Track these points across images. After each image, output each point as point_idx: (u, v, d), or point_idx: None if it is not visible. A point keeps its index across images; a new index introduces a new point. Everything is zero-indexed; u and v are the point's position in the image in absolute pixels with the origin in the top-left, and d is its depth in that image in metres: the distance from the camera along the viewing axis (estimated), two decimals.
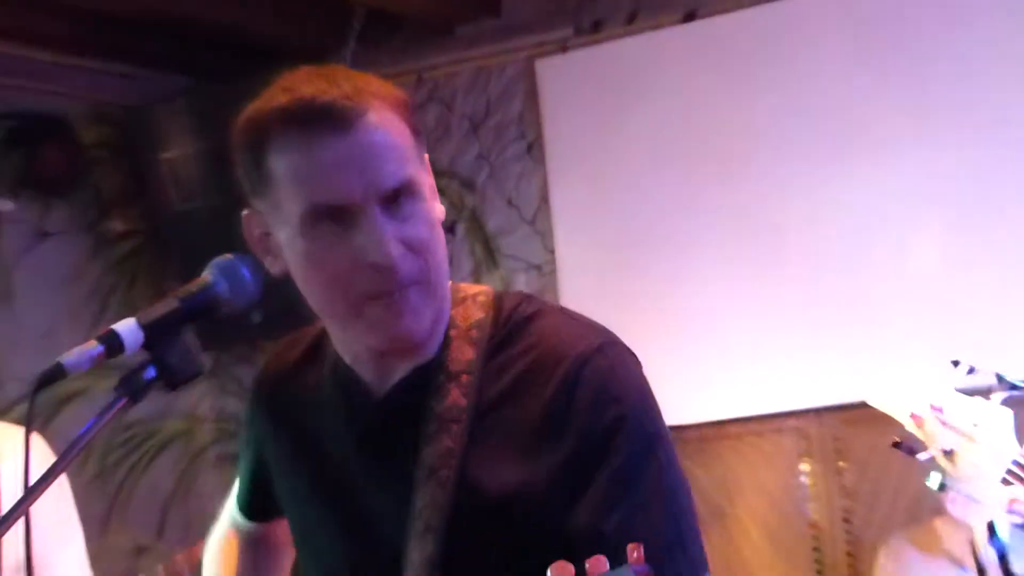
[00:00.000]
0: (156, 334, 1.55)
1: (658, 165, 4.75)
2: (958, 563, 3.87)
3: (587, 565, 1.22)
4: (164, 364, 1.55)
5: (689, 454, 4.65)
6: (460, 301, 1.77)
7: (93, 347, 1.52)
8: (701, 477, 4.69)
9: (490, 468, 1.67)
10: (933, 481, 1.90)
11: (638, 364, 1.71)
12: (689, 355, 4.71)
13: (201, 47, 4.99)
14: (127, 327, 1.54)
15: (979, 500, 1.88)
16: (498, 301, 1.76)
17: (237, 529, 2.13)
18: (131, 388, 1.54)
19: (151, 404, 5.01)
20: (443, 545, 1.65)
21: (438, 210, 1.71)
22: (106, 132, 5.01)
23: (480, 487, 1.67)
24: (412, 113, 1.69)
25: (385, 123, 1.61)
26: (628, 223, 4.82)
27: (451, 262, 5.30)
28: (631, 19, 4.86)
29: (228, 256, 1.65)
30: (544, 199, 4.98)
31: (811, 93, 4.57)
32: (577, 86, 4.94)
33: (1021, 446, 1.86)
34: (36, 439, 2.69)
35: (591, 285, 4.87)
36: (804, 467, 4.64)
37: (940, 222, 4.44)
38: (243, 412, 2.07)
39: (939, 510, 3.90)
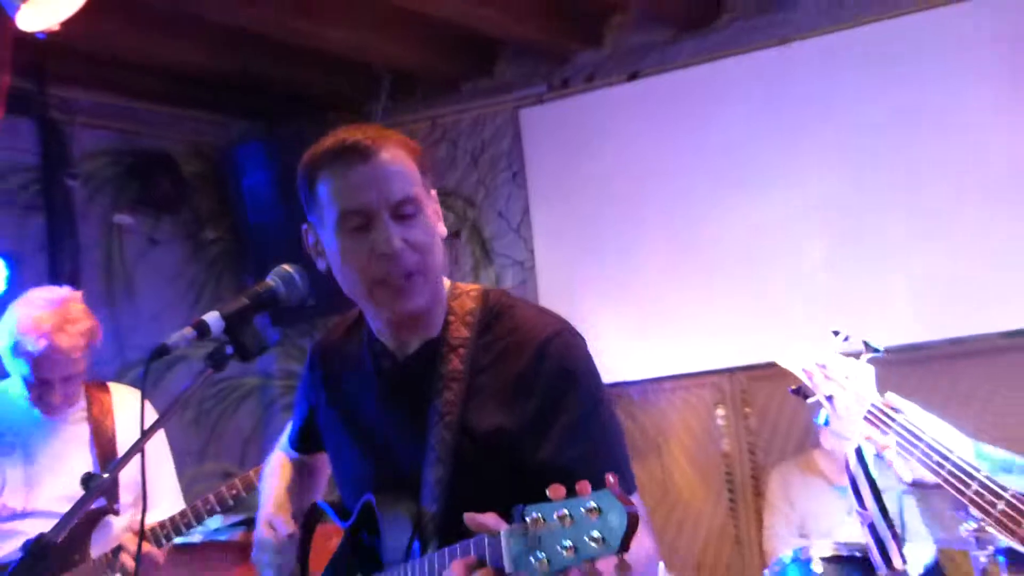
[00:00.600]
0: (233, 322, 1.60)
1: (611, 188, 4.80)
2: (829, 482, 3.97)
3: (548, 491, 1.25)
4: (239, 343, 1.61)
5: (635, 402, 4.78)
6: (458, 295, 1.76)
7: (189, 332, 1.58)
8: (644, 420, 4.77)
9: (481, 415, 1.67)
10: (821, 417, 1.84)
11: (586, 344, 1.72)
12: (635, 329, 4.75)
13: (271, 101, 5.02)
14: (213, 317, 1.60)
15: (849, 434, 1.82)
16: (485, 295, 1.76)
17: (287, 456, 2.08)
18: (215, 361, 1.62)
19: (235, 366, 5.18)
20: (450, 470, 1.65)
21: (439, 227, 1.70)
22: (201, 165, 5.01)
23: (475, 429, 1.67)
24: (421, 156, 1.71)
25: (396, 157, 1.64)
26: (589, 231, 4.85)
27: (456, 260, 5.46)
28: (590, 78, 4.95)
29: (285, 266, 1.69)
30: (526, 212, 5.03)
31: (725, 134, 4.61)
32: (550, 129, 4.99)
33: (880, 395, 1.81)
34: (139, 398, 2.84)
35: (561, 277, 4.92)
36: (719, 412, 4.69)
37: (822, 230, 4.48)
38: (301, 372, 2.03)
39: (817, 443, 4.07)
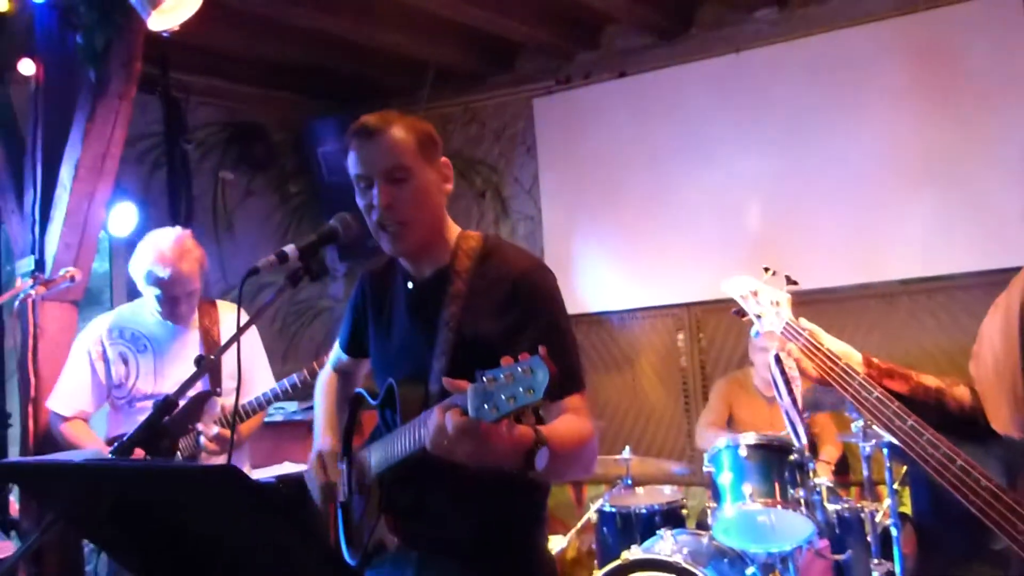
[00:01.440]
0: (304, 252, 1.63)
1: (602, 160, 4.77)
2: (759, 391, 3.97)
3: (501, 361, 1.27)
4: (308, 268, 1.64)
5: (614, 327, 4.79)
6: (465, 238, 1.74)
7: (272, 259, 1.61)
8: (620, 341, 4.79)
9: (475, 324, 1.67)
10: (752, 331, 1.81)
11: (555, 278, 1.71)
12: (617, 271, 4.76)
13: (342, 87, 5.00)
14: (290, 248, 1.63)
15: (771, 345, 1.75)
16: (485, 238, 1.75)
17: (335, 368, 2.03)
18: (292, 279, 1.64)
19: (312, 291, 5.21)
20: (450, 362, 1.66)
21: (434, 188, 1.66)
22: (287, 135, 5.00)
23: (469, 333, 1.67)
24: (424, 135, 1.67)
25: (394, 136, 1.62)
26: (584, 194, 4.83)
27: (482, 216, 5.42)
28: (587, 75, 4.88)
29: (344, 214, 1.69)
30: (536, 179, 4.99)
31: (691, 121, 4.57)
32: (556, 114, 4.95)
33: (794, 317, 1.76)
34: (241, 312, 2.87)
35: (561, 230, 4.91)
36: (679, 336, 4.69)
37: (761, 196, 4.45)
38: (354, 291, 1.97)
39: (751, 361, 4.05)
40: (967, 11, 3.97)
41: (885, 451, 3.25)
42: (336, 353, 2.01)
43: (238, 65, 4.59)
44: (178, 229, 2.74)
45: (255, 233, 4.89)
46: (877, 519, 3.13)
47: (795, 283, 1.84)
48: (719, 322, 4.55)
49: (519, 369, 1.24)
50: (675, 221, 4.61)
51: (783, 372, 1.77)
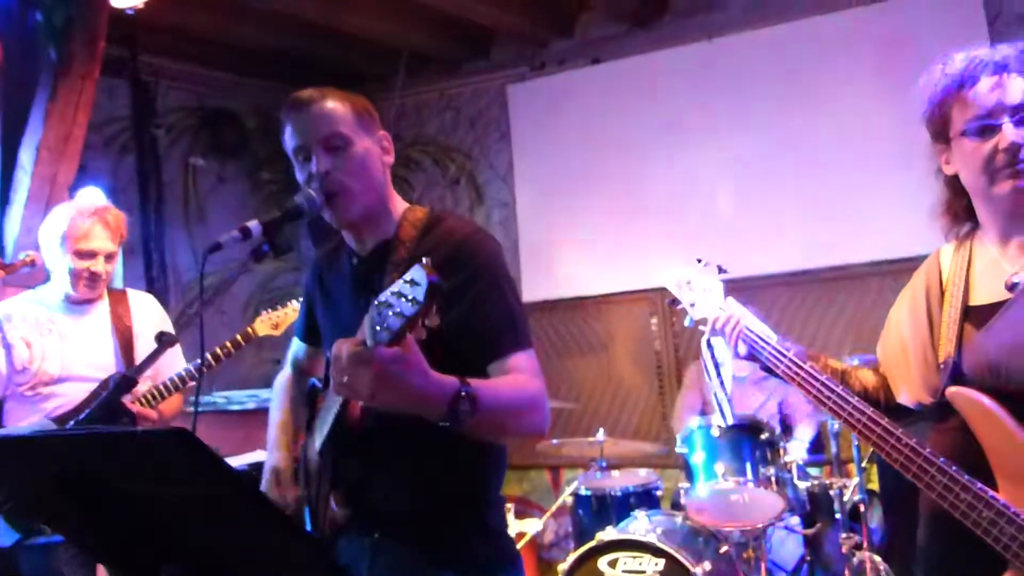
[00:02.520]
0: (268, 228, 1.56)
1: (576, 147, 4.80)
2: (733, 374, 3.79)
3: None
4: (272, 244, 1.57)
5: (590, 312, 4.83)
6: (411, 211, 1.70)
7: (236, 234, 1.55)
8: (596, 325, 4.83)
9: None
10: (686, 320, 1.88)
11: (496, 243, 1.66)
12: (592, 257, 4.80)
13: (317, 73, 4.76)
14: (253, 224, 1.56)
15: (704, 329, 1.83)
16: (431, 210, 1.72)
17: (294, 366, 1.96)
18: (256, 255, 1.59)
19: (289, 278, 5.12)
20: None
21: (373, 158, 1.64)
22: (260, 121, 4.93)
23: None
24: (361, 107, 1.65)
25: (328, 106, 1.61)
26: (558, 180, 4.85)
27: (456, 202, 5.42)
28: (562, 62, 4.92)
29: (309, 190, 1.60)
30: (510, 165, 5.00)
31: (663, 108, 4.62)
32: (531, 101, 4.98)
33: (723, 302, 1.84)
34: (152, 299, 2.77)
35: (536, 216, 4.93)
36: (653, 320, 4.74)
37: (733, 181, 4.52)
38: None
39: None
40: (929, 1, 4.08)
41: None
42: (294, 348, 1.96)
43: (209, 49, 4.54)
44: (92, 189, 2.65)
45: (227, 221, 4.67)
46: (845, 496, 3.22)
47: (725, 271, 1.91)
48: None
49: (402, 282, 1.20)
50: (648, 206, 4.66)
51: (713, 357, 1.91)
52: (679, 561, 2.98)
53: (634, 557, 3.07)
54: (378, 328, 1.21)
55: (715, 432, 3.24)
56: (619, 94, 4.73)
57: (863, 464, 3.36)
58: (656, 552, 3.04)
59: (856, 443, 3.35)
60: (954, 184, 1.61)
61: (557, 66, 4.93)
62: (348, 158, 1.60)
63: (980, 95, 1.49)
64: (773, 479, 3.13)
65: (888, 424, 1.51)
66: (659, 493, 3.74)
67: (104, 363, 2.60)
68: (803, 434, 3.91)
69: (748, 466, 3.17)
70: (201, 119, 4.65)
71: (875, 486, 3.82)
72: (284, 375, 1.96)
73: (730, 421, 2.09)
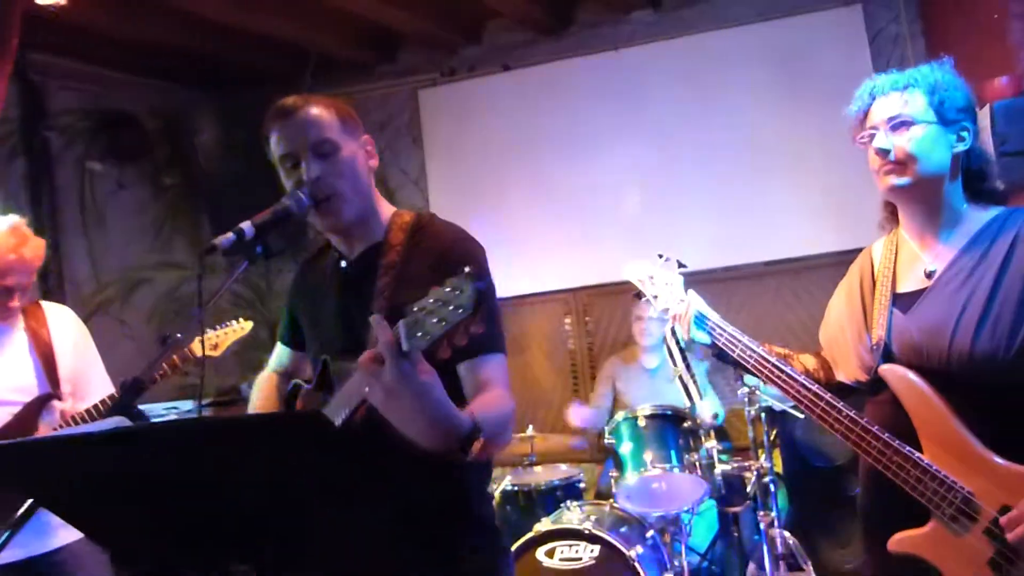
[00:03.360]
0: (261, 229, 1.55)
1: (488, 151, 4.89)
2: (642, 366, 4.21)
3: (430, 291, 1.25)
4: (265, 245, 1.56)
5: (505, 313, 4.83)
6: (399, 215, 1.73)
7: (230, 235, 1.52)
8: (511, 326, 4.87)
9: (407, 293, 1.53)
10: (655, 311, 1.99)
11: (482, 249, 1.70)
12: (506, 259, 4.52)
13: (219, 75, 4.85)
14: (247, 225, 1.55)
15: (667, 318, 1.92)
16: (418, 215, 1.75)
17: (275, 370, 1.95)
18: (249, 258, 1.57)
19: (192, 286, 5.01)
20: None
21: (361, 161, 1.66)
22: (161, 123, 4.78)
23: (403, 302, 1.56)
24: (345, 113, 1.67)
25: (315, 113, 1.63)
26: (471, 184, 4.91)
27: None
28: (472, 68, 5.00)
29: (298, 191, 1.60)
30: (423, 169, 5.04)
31: (571, 114, 4.78)
32: (442, 106, 5.02)
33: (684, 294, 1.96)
34: (68, 311, 2.64)
35: (448, 218, 4.59)
36: (567, 320, 4.88)
37: (639, 186, 4.72)
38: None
39: (636, 340, 4.26)
40: (818, 20, 4.44)
41: (763, 416, 3.61)
42: (276, 353, 1.95)
43: (103, 47, 4.32)
44: (13, 216, 2.51)
45: (128, 228, 4.65)
46: (755, 478, 3.47)
47: (684, 266, 2.06)
48: (604, 305, 4.80)
49: (447, 291, 1.23)
50: (559, 210, 4.80)
51: (677, 343, 2.00)
52: (614, 546, 3.13)
53: (571, 546, 3.20)
54: (419, 335, 1.23)
55: (641, 423, 3.43)
56: (529, 100, 4.86)
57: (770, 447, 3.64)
58: (592, 539, 3.18)
59: (766, 429, 3.61)
60: None
61: (468, 72, 5.01)
62: (337, 163, 1.62)
63: (873, 111, 1.73)
64: (697, 464, 3.34)
65: (831, 398, 1.70)
66: (581, 485, 3.90)
67: (26, 385, 2.49)
68: (707, 412, 4.15)
69: (673, 453, 3.36)
70: (97, 121, 4.47)
71: (779, 469, 4.12)
72: (265, 374, 1.95)
73: (698, 400, 2.24)
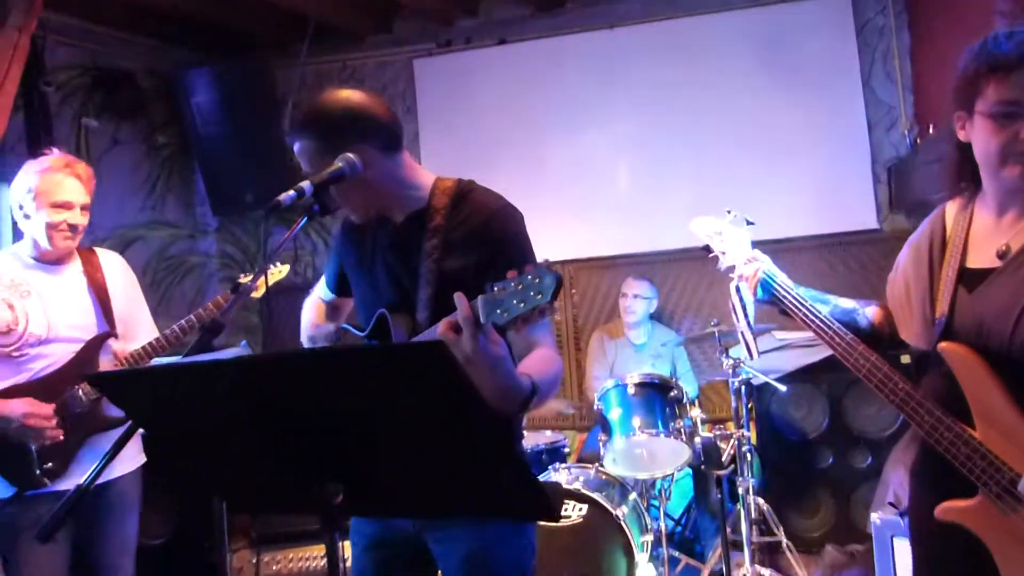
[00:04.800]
0: (318, 188, 1.65)
1: (482, 123, 4.97)
2: (628, 340, 4.38)
3: (507, 274, 1.36)
4: (322, 203, 1.68)
5: None
6: (441, 181, 1.86)
7: (292, 193, 1.62)
8: None
9: (453, 256, 1.77)
10: (721, 265, 1.98)
11: (521, 216, 1.83)
12: None
13: (213, 35, 4.86)
14: (306, 184, 1.65)
15: (734, 275, 1.89)
16: (459, 182, 1.87)
17: (323, 300, 2.11)
18: (308, 214, 1.68)
19: (184, 245, 5.05)
20: (434, 291, 1.76)
21: (368, 167, 1.72)
22: (157, 82, 4.81)
23: (450, 263, 1.77)
24: (327, 128, 1.73)
25: (302, 147, 1.75)
26: (464, 154, 4.96)
27: None
28: (468, 40, 5.07)
29: (349, 154, 1.71)
30: (416, 139, 5.10)
31: (565, 89, 4.88)
32: (437, 77, 5.07)
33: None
34: (119, 257, 2.81)
35: None
36: None
37: (627, 160, 4.85)
38: (334, 235, 2.05)
39: (620, 314, 4.46)
40: (808, 8, 4.59)
41: (743, 388, 3.81)
42: (320, 291, 2.11)
43: (102, 5, 4.33)
44: (53, 151, 2.65)
45: (122, 184, 4.66)
46: (733, 448, 3.66)
47: (752, 223, 2.05)
48: (591, 278, 4.95)
49: (528, 277, 1.36)
50: (549, 183, 4.91)
51: (741, 300, 1.99)
52: (602, 505, 3.32)
53: (560, 504, 3.37)
54: (498, 311, 1.37)
55: (630, 390, 3.60)
56: (523, 75, 4.95)
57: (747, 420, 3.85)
58: (580, 499, 3.35)
59: (746, 401, 3.82)
60: (963, 149, 1.69)
61: (463, 44, 5.07)
62: (343, 191, 1.73)
63: (1016, 82, 1.54)
64: (682, 431, 3.52)
65: (888, 370, 1.69)
66: (566, 450, 4.08)
67: (86, 323, 2.62)
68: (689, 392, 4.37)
69: (659, 420, 3.54)
70: (93, 78, 4.45)
71: (755, 442, 4.34)
72: (313, 300, 2.11)
73: (755, 357, 2.28)
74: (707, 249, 2.06)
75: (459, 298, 1.44)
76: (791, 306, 1.84)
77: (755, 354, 2.21)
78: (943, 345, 1.68)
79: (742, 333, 2.07)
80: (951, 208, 1.79)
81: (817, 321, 1.80)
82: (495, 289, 1.39)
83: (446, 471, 1.21)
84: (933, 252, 1.76)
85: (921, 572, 1.81)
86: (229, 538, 3.28)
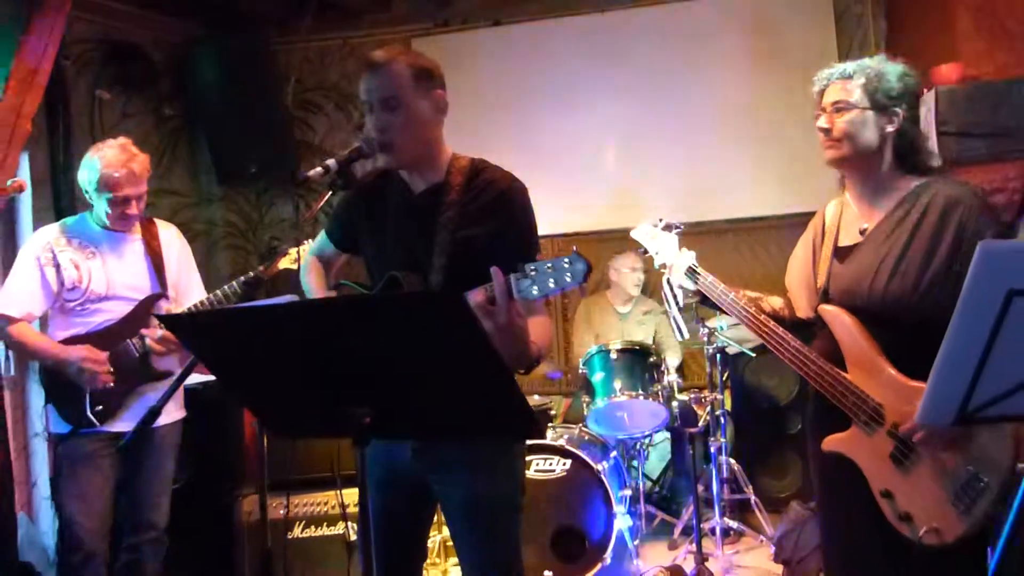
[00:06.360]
0: (342, 165, 1.86)
1: (477, 102, 5.09)
2: (613, 309, 4.69)
3: (537, 257, 1.62)
4: (346, 178, 1.88)
5: None
6: (457, 159, 2.03)
7: (320, 169, 1.83)
8: None
9: (468, 227, 1.93)
10: (656, 263, 2.38)
11: (527, 192, 2.00)
12: None
13: (220, 10, 4.97)
14: (331, 161, 1.85)
15: (665, 271, 2.31)
16: (473, 160, 2.04)
17: (317, 256, 2.26)
18: (332, 187, 1.87)
19: (189, 213, 5.25)
20: (448, 259, 1.92)
21: (423, 114, 1.93)
22: (165, 55, 4.93)
23: (463, 235, 1.92)
24: (422, 70, 1.95)
25: (390, 70, 1.91)
26: (457, 131, 4.79)
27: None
28: (464, 21, 5.25)
29: (366, 134, 1.92)
30: None
31: (556, 70, 5.09)
32: (434, 55, 4.86)
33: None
34: (174, 228, 3.15)
35: None
36: None
37: (614, 140, 5.09)
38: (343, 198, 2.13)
39: (608, 285, 4.74)
40: None
41: (719, 356, 4.12)
42: (321, 243, 2.26)
43: None
44: (121, 138, 2.96)
45: None
46: (707, 412, 3.99)
47: (679, 227, 2.49)
48: (582, 251, 5.16)
49: (564, 262, 1.59)
50: (541, 161, 5.07)
51: (671, 290, 2.37)
52: (584, 461, 3.63)
53: (545, 459, 3.68)
54: (534, 289, 1.60)
55: (613, 355, 3.90)
56: (517, 56, 5.16)
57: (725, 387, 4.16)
58: (564, 454, 3.67)
59: (721, 368, 4.12)
60: None
61: (460, 24, 5.27)
62: (400, 117, 1.93)
63: (825, 95, 2.09)
64: (660, 394, 3.83)
65: (783, 333, 2.11)
66: (552, 412, 4.40)
67: (141, 285, 2.97)
68: (671, 361, 4.67)
69: (639, 384, 3.85)
70: (106, 51, 4.61)
71: (728, 408, 4.65)
72: (310, 260, 2.26)
73: (686, 336, 2.68)
74: (644, 251, 2.46)
75: (495, 272, 1.63)
76: (708, 289, 2.23)
77: (685, 334, 2.62)
78: (822, 307, 2.09)
79: (673, 317, 2.48)
80: (830, 206, 2.23)
81: (728, 300, 2.20)
82: (528, 268, 1.59)
83: (459, 400, 1.44)
84: (815, 240, 2.20)
85: (821, 494, 2.18)
86: (240, 484, 3.60)
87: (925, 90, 3.68)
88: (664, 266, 2.34)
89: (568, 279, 1.59)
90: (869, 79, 2.04)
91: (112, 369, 2.84)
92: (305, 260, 2.31)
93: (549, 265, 1.60)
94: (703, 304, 2.31)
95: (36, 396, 3.99)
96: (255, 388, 1.55)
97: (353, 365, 1.40)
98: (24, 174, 4.05)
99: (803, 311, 2.22)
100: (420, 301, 1.41)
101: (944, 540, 1.86)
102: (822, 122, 2.07)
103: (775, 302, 2.28)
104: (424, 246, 1.96)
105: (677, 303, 2.42)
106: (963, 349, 1.43)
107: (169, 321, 2.19)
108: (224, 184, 5.18)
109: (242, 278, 2.92)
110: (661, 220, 2.45)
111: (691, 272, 2.28)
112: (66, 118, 4.36)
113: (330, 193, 1.93)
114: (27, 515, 3.85)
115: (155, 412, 1.57)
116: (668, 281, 2.35)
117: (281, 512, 3.41)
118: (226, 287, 2.95)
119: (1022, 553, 2.13)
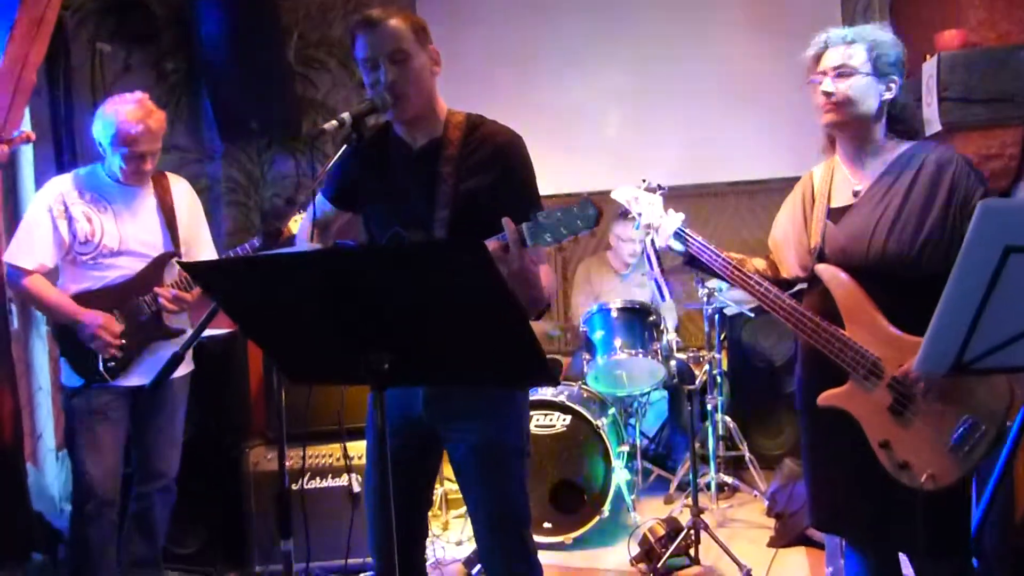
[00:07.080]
0: (356, 119, 1.87)
1: (477, 61, 5.14)
2: (613, 270, 4.69)
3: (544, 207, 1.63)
4: (359, 133, 1.89)
5: None
6: (453, 114, 2.06)
7: (334, 123, 1.84)
8: None
9: (469, 180, 1.97)
10: (638, 227, 2.28)
11: (524, 143, 2.03)
12: None
13: None
14: (345, 115, 1.86)
15: (649, 232, 2.22)
16: (469, 115, 2.08)
17: (314, 222, 2.21)
18: (348, 143, 1.87)
19: (193, 169, 5.26)
20: (450, 211, 1.96)
21: (425, 68, 1.99)
22: (168, 9, 4.91)
23: (464, 187, 1.96)
24: (419, 27, 1.99)
25: (395, 25, 1.94)
26: (460, 88, 4.63)
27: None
28: None
29: (379, 91, 1.94)
30: None
31: (560, 32, 5.09)
32: (439, 13, 5.12)
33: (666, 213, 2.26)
34: (185, 183, 3.18)
35: None
36: None
37: (618, 104, 5.13)
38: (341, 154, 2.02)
39: (607, 247, 4.76)
40: None
41: (716, 317, 4.20)
42: (319, 204, 2.24)
43: None
44: (137, 92, 2.96)
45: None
46: (705, 371, 4.07)
47: (663, 188, 2.42)
48: None
49: (574, 209, 1.65)
50: (542, 122, 5.03)
51: (655, 251, 2.36)
52: (584, 416, 3.73)
53: (545, 415, 3.78)
54: (546, 235, 1.65)
55: (613, 313, 3.96)
56: (521, 16, 5.15)
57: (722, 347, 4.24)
58: (564, 410, 3.76)
59: (719, 329, 4.20)
60: None
61: None
62: (408, 70, 1.98)
63: (824, 58, 2.11)
64: (659, 352, 3.91)
65: (777, 291, 2.14)
66: (561, 363, 4.48)
67: (154, 240, 3.00)
68: (668, 322, 4.74)
69: (639, 342, 3.92)
70: (106, 3, 4.58)
71: (726, 368, 4.74)
72: (307, 224, 2.26)
73: (667, 299, 2.69)
74: (625, 212, 2.42)
75: (507, 223, 1.68)
76: (697, 249, 2.23)
77: (667, 296, 2.65)
78: (818, 266, 2.13)
79: (655, 278, 2.48)
80: (817, 169, 2.26)
81: (719, 261, 2.21)
82: (540, 217, 1.64)
83: (477, 345, 1.49)
84: (805, 202, 2.23)
85: (809, 438, 2.23)
86: (246, 436, 3.67)
87: (928, 56, 3.72)
88: (649, 227, 2.29)
89: (580, 224, 1.64)
90: (872, 45, 2.08)
91: (125, 327, 2.89)
92: (301, 225, 2.33)
93: (560, 212, 1.65)
94: (689, 266, 2.30)
95: (39, 352, 4.03)
96: (276, 334, 1.59)
97: (374, 312, 1.45)
98: (26, 126, 4.05)
99: (789, 271, 2.24)
100: (444, 248, 1.46)
101: (940, 485, 1.94)
102: (827, 86, 2.09)
103: (758, 263, 2.31)
104: (426, 201, 2.00)
105: (660, 264, 2.45)
106: (960, 302, 1.49)
107: (192, 268, 2.26)
108: (226, 140, 5.19)
109: (248, 247, 2.95)
110: (645, 181, 2.40)
111: (680, 234, 2.25)
112: (67, 70, 4.34)
113: (344, 147, 1.95)
114: (33, 466, 3.92)
115: (179, 358, 1.64)
116: (652, 243, 2.32)
117: (287, 464, 3.44)
118: (232, 252, 2.98)
119: (1002, 503, 2.24)
